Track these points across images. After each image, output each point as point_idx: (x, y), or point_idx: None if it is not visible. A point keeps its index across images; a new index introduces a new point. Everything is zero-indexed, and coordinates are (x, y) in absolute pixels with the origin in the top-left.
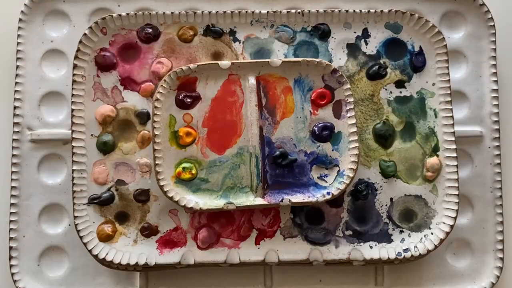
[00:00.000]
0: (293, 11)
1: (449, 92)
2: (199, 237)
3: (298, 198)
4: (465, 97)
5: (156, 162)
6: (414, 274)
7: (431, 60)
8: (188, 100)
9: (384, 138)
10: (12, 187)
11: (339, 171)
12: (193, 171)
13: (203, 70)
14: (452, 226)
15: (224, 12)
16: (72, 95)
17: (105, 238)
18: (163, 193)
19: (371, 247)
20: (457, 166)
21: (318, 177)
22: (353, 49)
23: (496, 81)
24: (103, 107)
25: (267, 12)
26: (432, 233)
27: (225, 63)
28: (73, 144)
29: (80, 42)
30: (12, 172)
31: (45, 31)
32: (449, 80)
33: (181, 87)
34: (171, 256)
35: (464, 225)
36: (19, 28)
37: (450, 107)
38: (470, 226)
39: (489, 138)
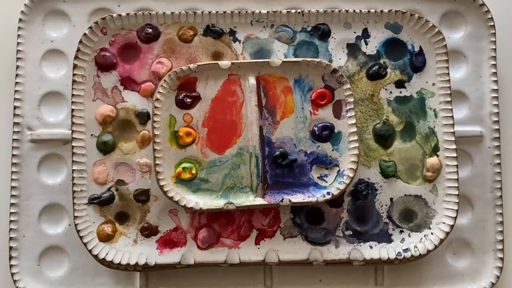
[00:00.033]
0: (293, 11)
1: (449, 92)
2: (199, 237)
3: (298, 198)
4: (465, 97)
5: (156, 162)
6: (414, 274)
7: (431, 60)
8: (188, 100)
9: (384, 138)
10: (12, 187)
11: (339, 171)
12: (193, 171)
13: (203, 70)
14: (452, 226)
15: (224, 12)
16: (72, 95)
17: (105, 238)
18: (163, 193)
19: (371, 247)
20: (457, 166)
21: (318, 177)
22: (353, 49)
23: (496, 81)
24: (103, 107)
25: (267, 12)
26: (432, 233)
27: (225, 63)
28: (73, 144)
29: (80, 42)
30: (12, 172)
31: (45, 31)
32: (449, 80)
33: (181, 87)
34: (171, 256)
35: (464, 225)
36: (19, 28)
37: (450, 107)
38: (470, 226)
39: (489, 138)
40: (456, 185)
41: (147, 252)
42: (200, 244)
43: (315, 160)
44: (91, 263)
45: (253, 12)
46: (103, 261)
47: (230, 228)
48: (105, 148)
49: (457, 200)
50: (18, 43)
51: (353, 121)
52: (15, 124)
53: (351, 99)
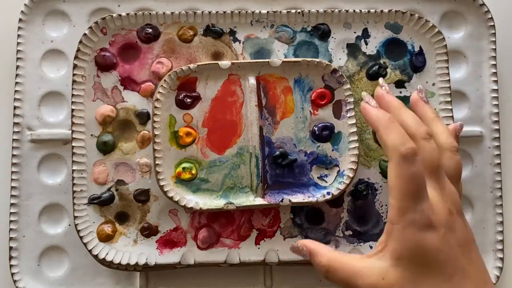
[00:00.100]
0: (293, 11)
1: (449, 92)
2: (199, 237)
3: (298, 198)
4: (465, 97)
5: (156, 162)
6: None
7: (431, 60)
8: (188, 100)
9: None
10: (12, 187)
11: (339, 171)
12: (193, 171)
13: (203, 70)
14: None
15: (224, 12)
16: (72, 95)
17: (105, 238)
18: (163, 193)
19: (371, 247)
20: None
21: (318, 177)
22: (353, 49)
23: (496, 81)
24: (103, 107)
25: (267, 12)
26: None
27: (225, 63)
28: (73, 144)
29: (80, 42)
30: (12, 172)
31: (45, 31)
32: (449, 80)
33: (181, 87)
34: (171, 256)
35: None
36: (19, 28)
37: (450, 107)
38: (470, 226)
39: (489, 138)
40: None
41: (147, 252)
42: (200, 244)
43: (315, 160)
44: (91, 263)
45: (253, 12)
46: (103, 261)
47: (230, 228)
48: (105, 148)
49: None
50: (18, 43)
51: (353, 121)
52: (15, 124)
53: (351, 99)
